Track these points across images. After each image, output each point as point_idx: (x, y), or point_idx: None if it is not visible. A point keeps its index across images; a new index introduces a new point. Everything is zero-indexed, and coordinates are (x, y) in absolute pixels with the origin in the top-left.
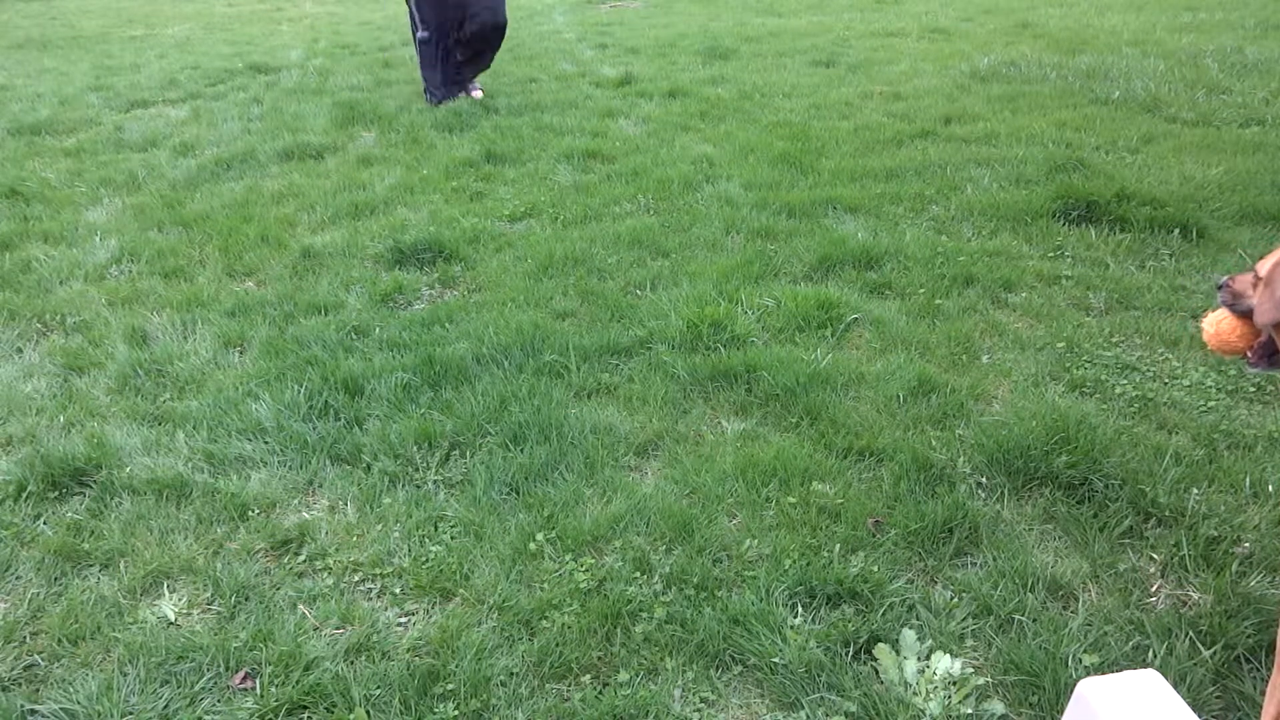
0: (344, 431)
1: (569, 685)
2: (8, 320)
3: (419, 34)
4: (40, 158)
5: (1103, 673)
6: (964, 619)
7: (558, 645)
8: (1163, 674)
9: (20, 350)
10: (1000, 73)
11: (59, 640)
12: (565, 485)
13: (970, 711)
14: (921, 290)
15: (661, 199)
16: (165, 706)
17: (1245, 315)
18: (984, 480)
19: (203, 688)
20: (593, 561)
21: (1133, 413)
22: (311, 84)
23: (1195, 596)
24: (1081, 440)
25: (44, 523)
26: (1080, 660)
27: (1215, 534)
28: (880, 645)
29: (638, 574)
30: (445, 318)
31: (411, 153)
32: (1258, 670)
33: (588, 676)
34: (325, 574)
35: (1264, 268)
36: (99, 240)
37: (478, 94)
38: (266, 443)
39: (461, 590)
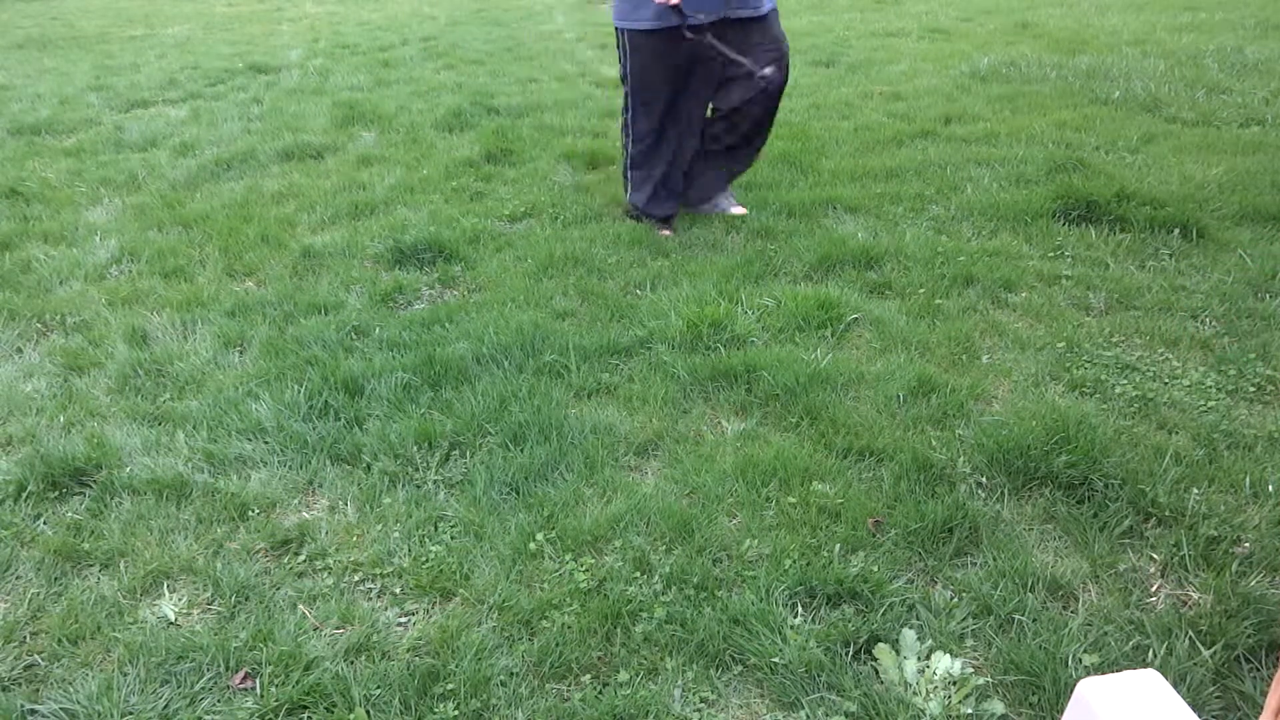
0: (344, 431)
1: (569, 685)
2: (8, 320)
3: (627, 114)
4: (40, 158)
5: (1103, 673)
6: (964, 619)
7: (558, 645)
8: (1163, 674)
9: (20, 350)
10: (1000, 73)
11: (59, 640)
12: (565, 485)
13: (970, 711)
14: (921, 290)
15: None
16: (165, 706)
17: None
18: (984, 480)
19: (203, 688)
20: (593, 561)
21: (1133, 413)
22: (311, 84)
23: (1195, 596)
24: (1081, 440)
25: (44, 523)
26: (1080, 660)
27: (1215, 534)
28: (880, 645)
29: (638, 574)
30: (445, 318)
31: (411, 153)
32: (1258, 670)
33: (588, 676)
34: (325, 574)
35: None
36: (99, 240)
37: (738, 209)
38: (266, 443)
39: (461, 590)
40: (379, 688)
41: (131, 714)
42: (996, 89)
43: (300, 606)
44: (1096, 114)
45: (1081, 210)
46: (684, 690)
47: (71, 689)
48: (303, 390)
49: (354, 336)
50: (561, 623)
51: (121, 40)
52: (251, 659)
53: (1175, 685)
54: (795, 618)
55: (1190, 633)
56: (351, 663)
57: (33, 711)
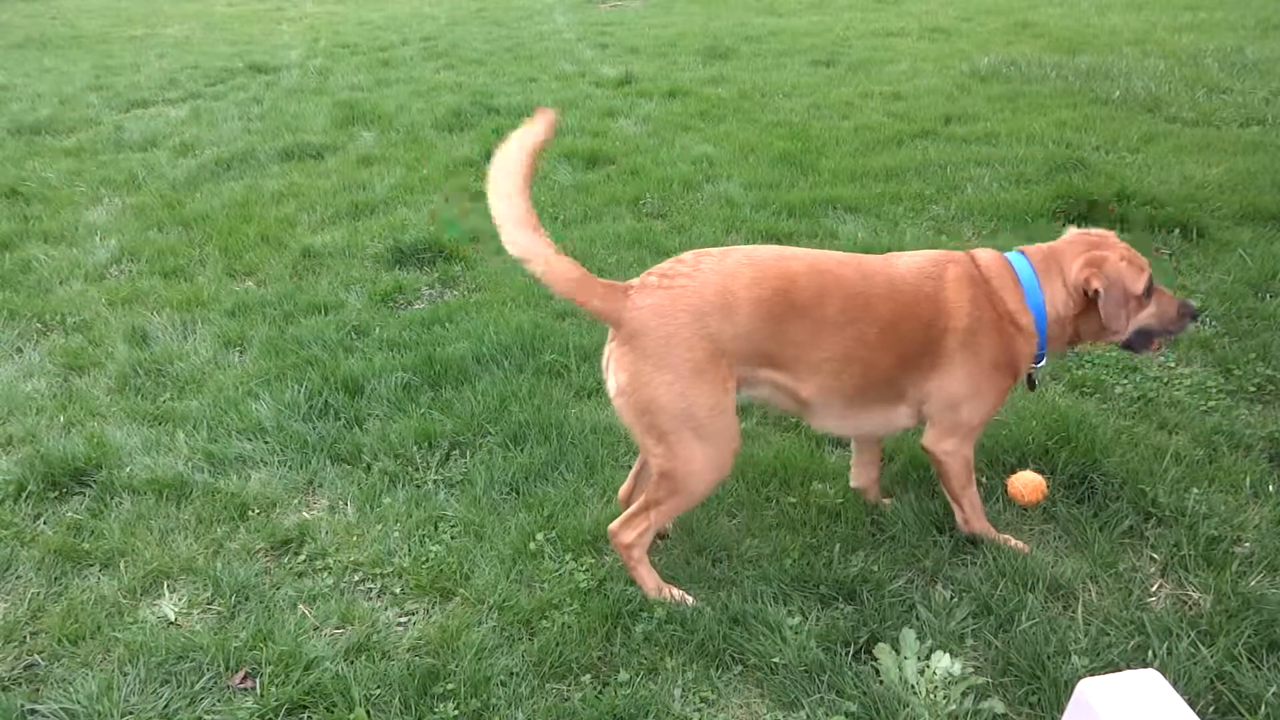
0: (344, 431)
1: (569, 685)
2: (8, 320)
3: None
4: (40, 158)
5: (1103, 673)
6: (964, 618)
7: (558, 645)
8: (1163, 674)
9: (20, 350)
10: (1000, 72)
11: (59, 640)
12: (565, 485)
13: (970, 710)
14: None
15: (665, 199)
16: (165, 706)
17: None
18: (984, 480)
19: (203, 687)
20: (593, 561)
21: (1133, 413)
22: (311, 84)
23: (1195, 596)
24: (1081, 440)
25: (44, 523)
26: (1080, 660)
27: (1215, 534)
28: (880, 645)
29: None
30: (445, 317)
31: (411, 152)
32: (1258, 670)
33: (588, 676)
34: (325, 574)
35: None
36: (99, 240)
37: None
38: (266, 443)
39: (461, 590)
40: (379, 687)
41: (131, 714)
42: (996, 89)
43: (300, 606)
44: (1096, 114)
45: (1082, 210)
46: (684, 690)
47: (71, 689)
48: (303, 390)
49: (354, 336)
50: (561, 622)
51: (121, 40)
52: (251, 659)
53: (1175, 685)
54: (795, 618)
55: (1190, 633)
56: (351, 662)
57: (33, 711)
